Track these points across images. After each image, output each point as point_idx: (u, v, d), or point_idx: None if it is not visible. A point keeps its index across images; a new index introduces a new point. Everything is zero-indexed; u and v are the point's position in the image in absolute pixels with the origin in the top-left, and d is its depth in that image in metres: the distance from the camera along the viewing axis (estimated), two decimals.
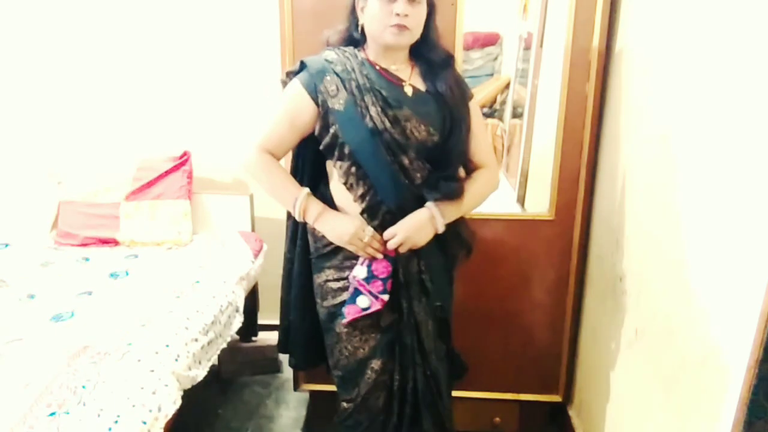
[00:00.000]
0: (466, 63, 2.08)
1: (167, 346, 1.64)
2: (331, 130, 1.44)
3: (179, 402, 1.54)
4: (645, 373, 1.55)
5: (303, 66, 1.48)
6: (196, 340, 1.76)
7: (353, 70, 1.43)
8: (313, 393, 2.35)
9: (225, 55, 2.67)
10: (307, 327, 1.66)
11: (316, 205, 1.49)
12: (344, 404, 1.61)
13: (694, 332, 1.27)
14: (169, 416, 1.47)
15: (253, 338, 2.73)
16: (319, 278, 1.58)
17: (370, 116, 1.40)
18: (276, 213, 2.56)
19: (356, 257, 1.50)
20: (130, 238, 2.50)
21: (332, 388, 1.71)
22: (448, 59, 1.51)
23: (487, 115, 2.25)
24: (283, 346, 1.78)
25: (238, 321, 2.11)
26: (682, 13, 1.41)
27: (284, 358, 2.70)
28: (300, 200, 1.48)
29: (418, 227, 1.46)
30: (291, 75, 1.50)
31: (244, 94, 2.68)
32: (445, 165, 1.49)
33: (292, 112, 1.47)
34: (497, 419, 2.25)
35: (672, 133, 1.43)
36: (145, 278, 2.14)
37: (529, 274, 2.10)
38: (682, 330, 1.33)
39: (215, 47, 2.67)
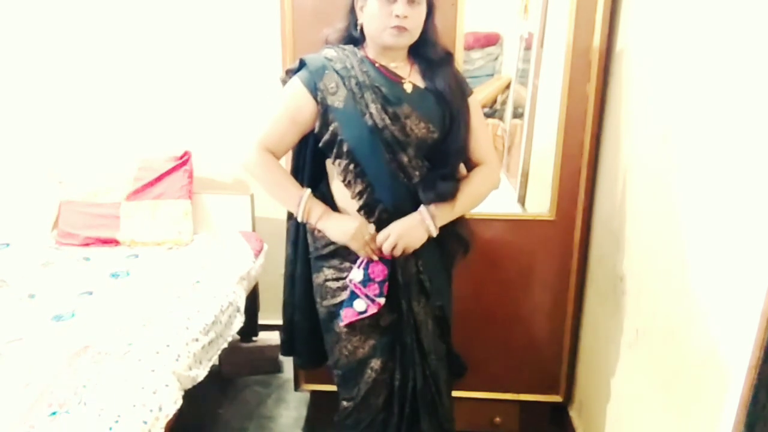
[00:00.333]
0: (466, 63, 2.08)
1: (168, 345, 1.64)
2: (331, 128, 1.44)
3: (180, 402, 1.54)
4: (646, 373, 1.55)
5: (302, 64, 1.48)
6: (197, 339, 1.76)
7: (353, 67, 1.43)
8: (313, 393, 2.35)
9: (225, 54, 2.67)
10: (311, 327, 1.66)
11: (318, 206, 1.49)
12: (344, 403, 1.61)
13: (694, 333, 1.27)
14: (170, 416, 1.47)
15: (254, 338, 2.73)
16: (318, 278, 1.58)
17: (370, 113, 1.40)
18: (276, 213, 2.56)
19: (355, 258, 1.50)
20: (131, 238, 2.50)
21: (333, 388, 1.71)
22: (447, 57, 1.51)
23: (487, 115, 2.25)
24: (286, 348, 1.78)
25: (239, 321, 2.11)
26: (683, 13, 1.41)
27: (285, 358, 2.71)
28: (304, 201, 1.48)
29: (410, 230, 1.45)
30: (290, 73, 1.50)
31: (245, 93, 2.68)
32: (443, 162, 1.48)
33: (293, 109, 1.47)
34: (498, 419, 2.25)
35: (672, 133, 1.43)
36: (145, 278, 2.14)
37: (530, 275, 2.10)
38: (682, 330, 1.33)
39: (216, 47, 2.67)
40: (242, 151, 1.52)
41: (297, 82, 1.46)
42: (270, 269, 2.57)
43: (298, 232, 1.63)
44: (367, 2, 1.41)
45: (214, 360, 1.88)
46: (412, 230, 1.45)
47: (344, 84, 1.42)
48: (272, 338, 2.72)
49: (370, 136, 1.41)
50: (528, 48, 2.18)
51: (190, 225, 2.54)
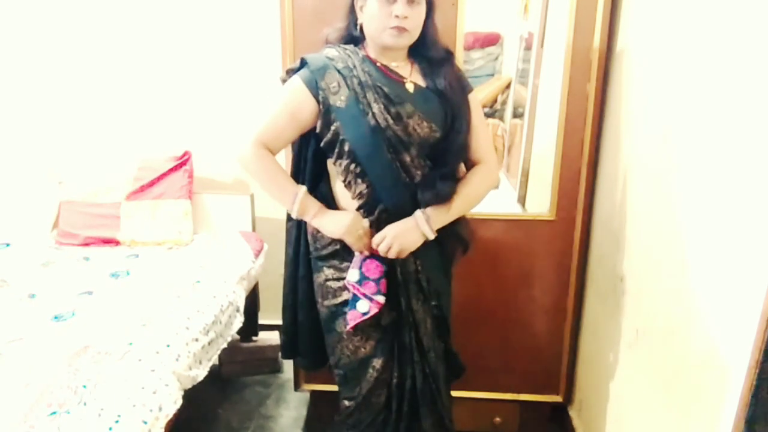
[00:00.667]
0: (467, 63, 2.08)
1: (168, 345, 1.64)
2: (332, 128, 1.44)
3: (180, 402, 1.54)
4: (646, 373, 1.55)
5: (304, 63, 1.47)
6: (197, 339, 1.76)
7: (355, 67, 1.43)
8: (313, 393, 2.35)
9: (226, 54, 2.67)
10: (316, 327, 1.65)
11: (314, 204, 1.49)
12: (345, 402, 1.61)
13: (694, 333, 1.27)
14: (170, 416, 1.47)
15: (254, 338, 2.73)
16: (319, 278, 1.58)
17: (373, 113, 1.40)
18: (276, 213, 2.56)
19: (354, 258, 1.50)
20: (131, 238, 2.50)
21: (333, 388, 1.71)
22: (448, 56, 1.50)
23: (487, 115, 2.25)
24: (287, 351, 1.78)
25: (239, 321, 2.11)
26: (683, 13, 1.41)
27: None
28: (299, 198, 1.47)
29: (405, 233, 1.45)
30: (291, 72, 1.50)
31: (245, 93, 2.68)
32: (444, 161, 1.48)
33: (293, 107, 1.46)
34: (497, 419, 2.25)
35: (672, 133, 1.43)
36: (145, 278, 2.14)
37: (530, 275, 2.10)
38: (682, 330, 1.33)
39: (216, 47, 2.67)
40: (238, 146, 1.51)
41: (298, 80, 1.46)
42: (270, 269, 2.57)
43: (300, 233, 1.63)
44: (366, 2, 1.41)
45: (214, 360, 1.88)
46: (407, 233, 1.45)
47: (346, 84, 1.42)
48: (272, 338, 2.72)
49: (372, 136, 1.41)
50: (528, 48, 2.18)
51: (190, 225, 2.54)
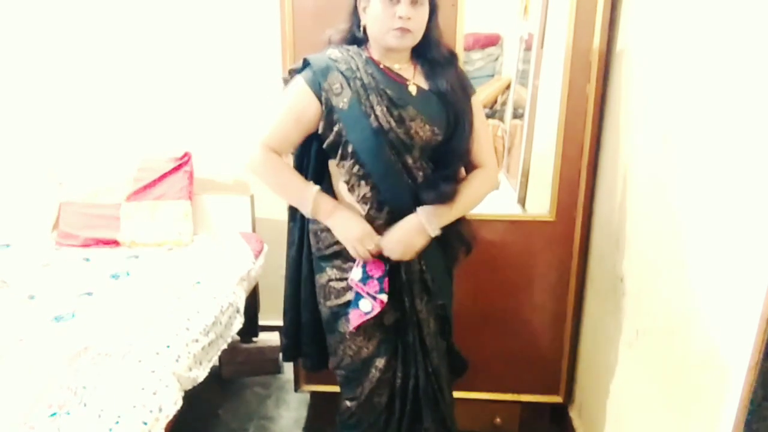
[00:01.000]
0: (467, 64, 2.08)
1: (168, 346, 1.64)
2: (335, 129, 1.44)
3: (180, 403, 1.54)
4: (646, 373, 1.55)
5: (306, 64, 1.47)
6: (197, 340, 1.76)
7: (358, 68, 1.43)
8: (313, 394, 2.35)
9: (225, 55, 2.67)
10: (319, 327, 1.65)
11: (328, 202, 1.49)
12: (347, 403, 1.61)
13: (694, 333, 1.27)
14: (170, 417, 1.47)
15: (254, 339, 2.73)
16: (321, 278, 1.58)
17: (375, 115, 1.40)
18: (276, 214, 2.56)
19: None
20: (131, 239, 2.50)
21: (333, 388, 1.71)
22: (451, 58, 1.50)
23: (487, 116, 2.25)
24: (289, 353, 1.77)
25: (239, 322, 2.11)
26: (683, 13, 1.41)
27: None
28: (313, 198, 1.47)
29: (409, 233, 1.45)
30: (293, 73, 1.49)
31: (245, 94, 2.68)
32: (446, 163, 1.48)
33: (297, 110, 1.46)
34: (498, 420, 2.25)
35: (672, 134, 1.43)
36: (145, 279, 2.14)
37: (530, 275, 2.10)
38: (682, 331, 1.33)
39: (216, 47, 2.67)
40: (246, 152, 1.51)
41: (301, 81, 1.45)
42: (270, 270, 2.57)
43: (302, 233, 1.63)
44: (370, 3, 1.41)
45: (214, 361, 1.88)
46: (412, 234, 1.45)
47: (349, 85, 1.41)
48: (272, 339, 2.71)
49: (374, 138, 1.41)
50: (528, 49, 2.18)
51: (190, 226, 2.54)
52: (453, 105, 1.46)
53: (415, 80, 1.48)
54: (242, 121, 2.68)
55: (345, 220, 1.47)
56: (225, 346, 1.98)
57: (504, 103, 2.34)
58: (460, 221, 1.57)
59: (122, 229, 2.51)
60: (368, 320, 1.48)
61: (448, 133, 1.47)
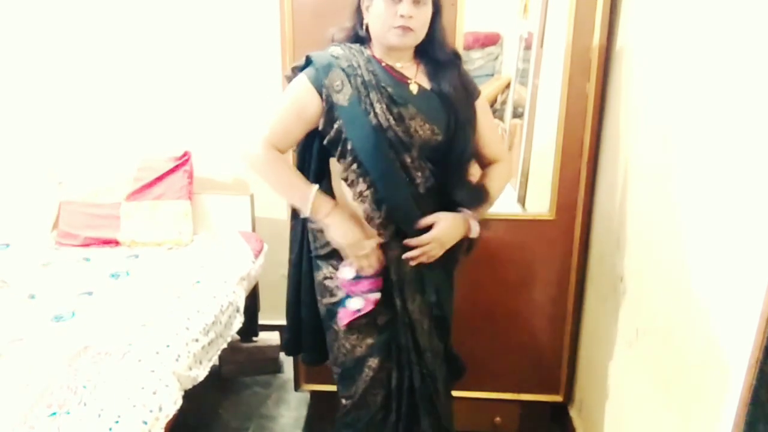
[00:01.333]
0: (466, 63, 2.07)
1: (168, 346, 1.64)
2: (335, 126, 1.44)
3: (180, 402, 1.54)
4: (646, 372, 1.55)
5: (309, 61, 1.47)
6: (197, 340, 1.76)
7: (359, 66, 1.43)
8: (313, 393, 2.35)
9: (225, 54, 2.67)
10: (318, 324, 1.66)
11: (327, 203, 1.48)
12: (344, 401, 1.62)
13: (694, 332, 1.27)
14: (170, 416, 1.47)
15: (254, 338, 2.73)
16: (318, 276, 1.59)
17: (375, 113, 1.40)
18: (276, 213, 2.56)
19: None
20: (131, 239, 2.50)
21: (333, 388, 1.71)
22: (455, 58, 1.50)
23: None
24: (291, 347, 1.78)
25: (239, 321, 2.11)
26: (683, 11, 1.41)
27: (285, 358, 2.72)
28: (312, 197, 1.47)
29: (450, 231, 1.49)
30: (296, 70, 1.50)
31: (245, 93, 2.68)
32: (451, 167, 1.49)
33: (299, 106, 1.46)
34: (498, 419, 2.25)
35: (672, 133, 1.43)
36: (145, 278, 2.14)
37: (530, 274, 2.09)
38: (682, 330, 1.32)
39: (215, 47, 2.66)
40: (246, 147, 1.50)
41: (303, 78, 1.46)
42: (270, 269, 2.57)
43: (304, 231, 1.63)
44: (372, 2, 1.41)
45: (214, 360, 1.88)
46: (455, 235, 1.51)
47: (350, 82, 1.42)
48: (272, 338, 2.72)
49: (374, 136, 1.41)
50: (528, 48, 2.18)
51: (190, 225, 2.54)
52: (454, 106, 1.46)
53: (417, 79, 1.48)
54: (242, 120, 2.67)
55: (340, 224, 1.47)
56: (225, 346, 1.98)
57: (504, 102, 2.33)
58: None
59: (122, 228, 2.51)
60: (360, 317, 1.49)
61: (448, 133, 1.47)
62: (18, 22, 2.66)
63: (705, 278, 1.24)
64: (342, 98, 1.42)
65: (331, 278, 1.55)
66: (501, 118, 2.36)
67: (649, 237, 1.58)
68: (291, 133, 1.50)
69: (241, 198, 2.66)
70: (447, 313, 1.63)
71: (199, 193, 2.66)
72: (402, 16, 1.37)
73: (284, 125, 1.48)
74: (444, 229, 1.48)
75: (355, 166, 1.45)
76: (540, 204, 2.05)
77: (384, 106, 1.41)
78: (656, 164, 1.53)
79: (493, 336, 2.15)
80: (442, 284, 1.60)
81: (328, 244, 1.52)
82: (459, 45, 1.89)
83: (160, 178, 2.55)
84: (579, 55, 1.88)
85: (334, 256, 1.53)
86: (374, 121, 1.40)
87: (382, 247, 1.49)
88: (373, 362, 1.55)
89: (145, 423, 1.37)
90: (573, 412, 2.23)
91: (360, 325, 1.52)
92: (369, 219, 1.48)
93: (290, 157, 1.84)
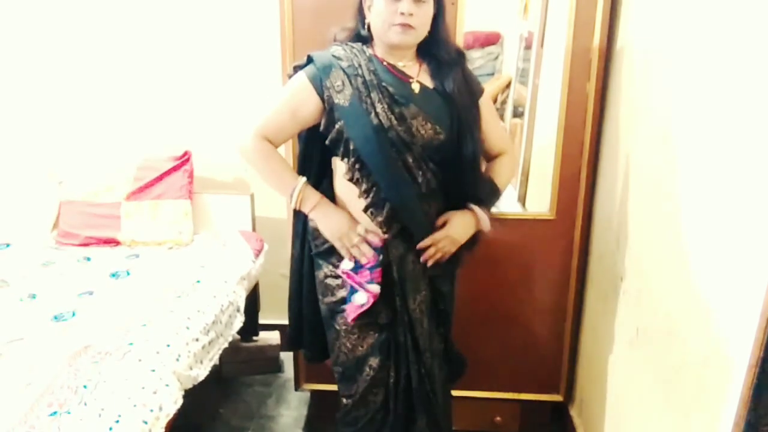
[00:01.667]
0: (467, 62, 2.08)
1: (168, 345, 1.64)
2: (337, 126, 1.44)
3: (180, 401, 1.54)
4: (646, 372, 1.55)
5: (310, 60, 1.48)
6: (197, 339, 1.76)
7: (360, 66, 1.43)
8: (314, 392, 2.35)
9: (225, 54, 2.67)
10: (319, 321, 1.66)
11: (313, 196, 1.50)
12: (344, 400, 1.62)
13: (695, 332, 1.27)
14: (170, 416, 1.47)
15: (254, 338, 2.73)
16: (319, 275, 1.59)
17: (376, 113, 1.40)
18: (277, 212, 2.56)
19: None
20: (131, 238, 2.50)
21: (333, 387, 1.71)
22: (458, 57, 1.50)
23: None
24: (293, 341, 1.78)
25: (239, 320, 2.11)
26: (683, 12, 1.41)
27: (285, 358, 2.72)
28: (298, 189, 1.48)
29: (467, 231, 1.53)
30: (298, 69, 1.50)
31: (245, 93, 2.67)
32: (464, 168, 1.50)
33: (295, 103, 1.47)
34: (498, 419, 2.25)
35: (672, 132, 1.43)
36: (146, 278, 2.14)
37: (530, 274, 2.10)
38: (683, 329, 1.32)
39: (216, 46, 2.66)
40: (239, 137, 1.52)
41: (303, 76, 1.46)
42: (270, 269, 2.57)
43: (306, 228, 1.63)
44: (374, 1, 1.42)
45: (215, 360, 1.88)
46: (468, 231, 1.54)
47: (350, 82, 1.42)
48: (273, 338, 2.72)
49: (375, 136, 1.41)
50: (528, 47, 2.18)
51: (191, 225, 2.54)
52: (457, 105, 1.46)
53: (420, 78, 1.48)
54: (242, 120, 2.66)
55: (327, 215, 1.50)
56: (225, 345, 1.98)
57: (504, 102, 2.33)
58: None
59: (122, 228, 2.51)
60: (365, 311, 1.48)
61: (451, 133, 1.47)
62: (18, 22, 2.66)
63: (705, 277, 1.24)
64: (343, 98, 1.42)
65: (331, 276, 1.55)
66: (501, 118, 2.36)
67: (649, 237, 1.58)
68: (284, 128, 1.51)
69: (241, 197, 2.66)
70: (449, 309, 1.63)
71: (200, 192, 2.65)
72: (402, 13, 1.37)
73: (278, 119, 1.49)
74: (456, 226, 1.51)
75: (358, 165, 1.45)
76: (540, 204, 2.05)
77: (385, 106, 1.41)
78: (656, 164, 1.52)
79: (493, 335, 2.15)
80: (444, 284, 1.60)
81: (326, 241, 1.53)
82: (459, 44, 1.89)
83: (160, 178, 2.55)
84: (579, 55, 1.88)
85: (333, 253, 1.53)
86: (375, 121, 1.40)
87: (385, 245, 1.49)
88: (374, 362, 1.55)
89: (146, 422, 1.37)
90: (573, 412, 2.23)
91: (361, 324, 1.52)
92: (372, 217, 1.49)
93: (289, 154, 1.86)
